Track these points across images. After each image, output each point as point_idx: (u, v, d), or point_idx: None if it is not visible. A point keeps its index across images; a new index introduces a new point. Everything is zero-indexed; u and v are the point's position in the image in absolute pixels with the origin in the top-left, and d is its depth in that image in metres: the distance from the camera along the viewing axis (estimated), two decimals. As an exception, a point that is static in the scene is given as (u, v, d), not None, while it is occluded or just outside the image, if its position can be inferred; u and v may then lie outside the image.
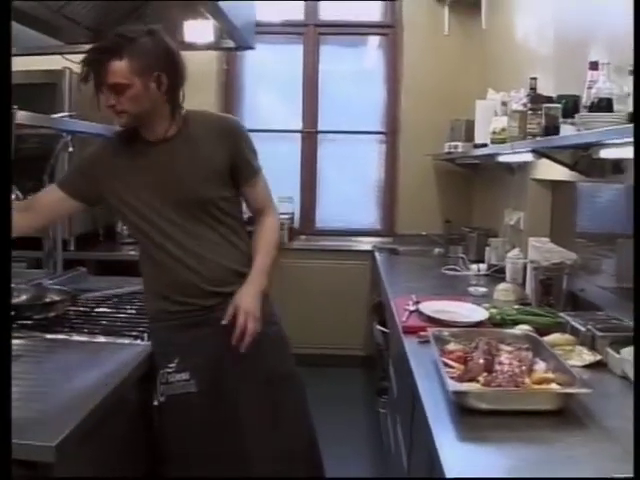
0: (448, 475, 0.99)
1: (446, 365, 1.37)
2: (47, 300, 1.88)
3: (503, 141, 2.29)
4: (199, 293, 1.59)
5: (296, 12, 4.19)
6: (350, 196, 4.28)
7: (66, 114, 2.43)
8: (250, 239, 1.72)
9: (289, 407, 1.69)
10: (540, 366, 1.36)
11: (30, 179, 2.20)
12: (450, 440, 1.12)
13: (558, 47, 2.37)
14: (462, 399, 1.21)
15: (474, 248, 3.18)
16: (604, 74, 1.56)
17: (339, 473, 1.91)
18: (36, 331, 1.70)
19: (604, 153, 1.56)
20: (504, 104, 2.50)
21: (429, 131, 3.85)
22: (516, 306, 2.00)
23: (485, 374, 1.31)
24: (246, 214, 1.76)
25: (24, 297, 1.90)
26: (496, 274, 2.67)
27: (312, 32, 4.18)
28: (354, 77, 4.24)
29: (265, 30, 3.60)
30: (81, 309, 1.94)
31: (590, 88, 1.59)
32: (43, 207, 1.67)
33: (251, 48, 2.69)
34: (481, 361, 1.34)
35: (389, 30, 4.16)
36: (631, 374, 1.37)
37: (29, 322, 1.75)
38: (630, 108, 1.41)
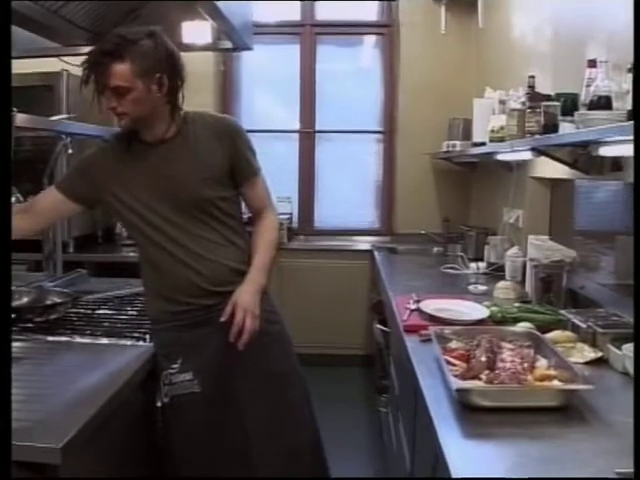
0: (454, 472, 0.99)
1: (448, 363, 1.37)
2: (48, 302, 1.88)
3: (502, 139, 2.29)
4: (201, 293, 1.59)
5: (293, 12, 4.19)
6: (348, 196, 4.29)
7: (64, 116, 2.43)
8: (250, 238, 1.72)
9: (293, 406, 1.69)
10: (542, 363, 1.37)
11: (28, 182, 2.20)
12: (454, 437, 1.12)
13: (556, 45, 2.38)
14: (465, 397, 1.22)
15: (473, 246, 3.19)
16: (602, 72, 1.56)
17: (340, 472, 1.91)
18: (38, 333, 1.70)
19: (603, 151, 1.56)
20: (502, 102, 2.50)
21: (427, 130, 3.86)
22: (516, 304, 2.01)
23: (487, 372, 1.31)
24: (246, 214, 1.76)
25: (25, 299, 1.90)
26: (495, 272, 2.68)
27: (309, 32, 4.19)
28: (351, 77, 4.25)
29: (262, 30, 3.60)
30: (82, 311, 1.95)
31: (589, 86, 1.59)
32: (43, 209, 1.68)
33: (249, 49, 2.69)
34: (483, 359, 1.34)
35: (386, 29, 4.17)
36: (632, 370, 1.38)
37: (31, 325, 1.75)
38: (629, 105, 1.41)
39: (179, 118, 1.61)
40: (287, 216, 4.03)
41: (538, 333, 1.55)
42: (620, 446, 1.06)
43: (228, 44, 2.63)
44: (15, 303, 1.84)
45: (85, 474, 1.21)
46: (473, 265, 2.86)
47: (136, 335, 1.70)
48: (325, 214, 4.28)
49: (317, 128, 4.23)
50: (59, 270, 2.43)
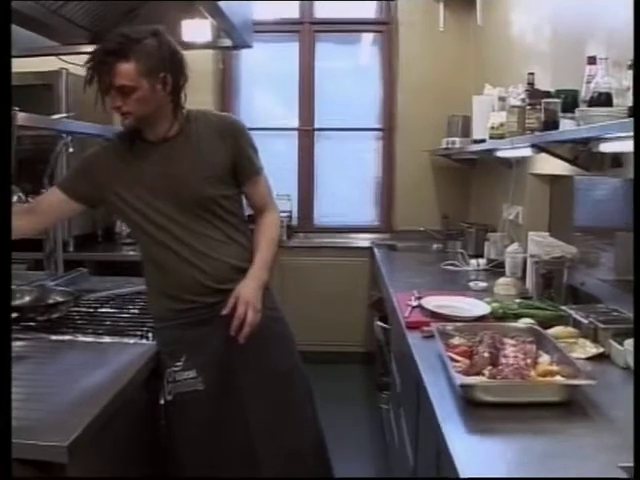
0: (459, 467, 1.00)
1: (451, 359, 1.38)
2: (50, 301, 1.88)
3: (501, 136, 2.29)
4: (205, 291, 1.60)
5: (291, 10, 4.19)
6: (347, 193, 4.29)
7: (65, 115, 2.43)
8: (252, 236, 1.72)
9: (296, 404, 1.70)
10: (544, 359, 1.37)
11: (28, 181, 2.20)
12: (458, 432, 1.13)
13: (555, 42, 2.38)
14: (469, 392, 1.23)
15: (473, 243, 3.20)
16: (602, 69, 1.57)
17: (341, 469, 1.91)
18: (41, 332, 1.70)
19: (604, 147, 1.57)
20: (501, 99, 2.50)
21: (426, 127, 3.86)
22: (517, 300, 2.01)
23: (490, 367, 1.32)
24: (247, 211, 1.76)
25: (27, 298, 1.90)
26: (495, 269, 2.69)
27: (307, 30, 4.18)
28: (350, 74, 4.26)
29: (261, 28, 3.59)
30: (84, 310, 1.95)
31: (589, 83, 1.59)
32: (46, 209, 1.68)
33: (249, 47, 2.69)
34: (486, 355, 1.35)
35: (384, 27, 4.17)
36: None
37: (33, 323, 1.75)
38: (629, 102, 1.42)
39: (182, 117, 1.61)
40: (286, 214, 4.04)
41: (540, 329, 1.55)
42: (622, 441, 1.07)
43: (228, 42, 2.64)
44: (17, 302, 1.84)
45: (90, 473, 1.22)
46: (473, 262, 2.87)
47: (139, 333, 1.70)
48: (324, 212, 4.29)
49: (316, 126, 4.23)
50: (60, 269, 2.43)
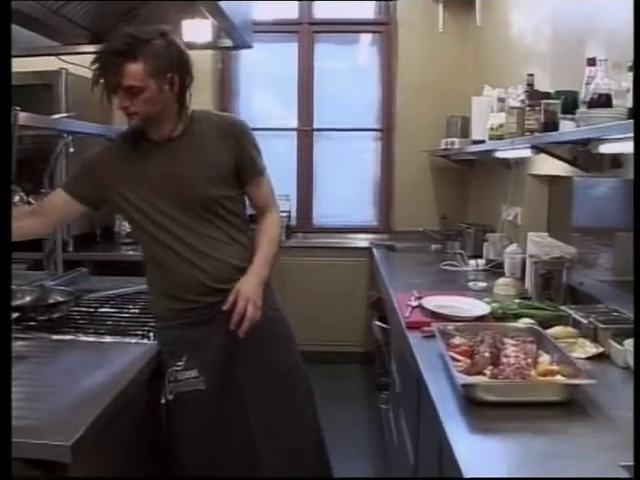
0: (462, 466, 1.00)
1: (452, 359, 1.38)
2: (51, 301, 1.88)
3: (501, 137, 2.30)
4: (206, 291, 1.60)
5: (290, 10, 4.19)
6: (346, 193, 4.29)
7: (65, 115, 2.43)
8: (253, 236, 1.73)
9: (296, 404, 1.70)
10: (544, 358, 1.38)
11: (28, 181, 2.20)
12: (460, 432, 1.13)
13: (554, 43, 2.39)
14: (471, 392, 1.23)
15: (471, 244, 3.20)
16: (602, 70, 1.58)
17: (341, 469, 1.92)
18: (42, 332, 1.70)
19: (604, 148, 1.58)
20: (501, 100, 2.51)
21: (424, 128, 3.87)
22: (517, 300, 2.02)
23: (491, 367, 1.33)
24: (248, 211, 1.77)
25: (28, 298, 1.90)
26: (494, 269, 2.70)
27: (306, 30, 4.19)
28: (349, 75, 4.26)
29: (260, 29, 3.59)
30: (85, 309, 1.95)
31: (588, 84, 1.60)
32: (51, 210, 1.68)
33: (249, 47, 2.69)
34: (487, 354, 1.35)
35: (383, 27, 4.18)
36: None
37: (34, 323, 1.75)
38: (629, 103, 1.43)
39: (186, 117, 1.61)
40: (285, 214, 4.04)
41: (540, 329, 1.56)
42: (622, 440, 1.07)
43: (228, 42, 2.64)
44: (18, 302, 1.84)
45: (92, 473, 1.22)
46: (472, 262, 2.88)
47: (140, 333, 1.70)
48: (323, 212, 4.29)
49: (315, 126, 4.23)
50: (60, 269, 2.43)
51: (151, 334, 1.69)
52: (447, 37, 3.93)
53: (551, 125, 1.78)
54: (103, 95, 1.49)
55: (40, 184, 2.20)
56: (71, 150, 2.18)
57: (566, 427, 1.15)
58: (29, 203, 1.86)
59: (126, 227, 3.61)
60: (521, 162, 2.72)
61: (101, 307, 1.99)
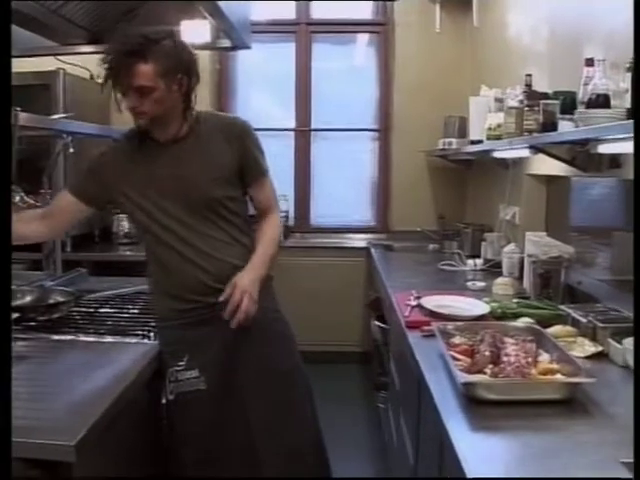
0: (465, 464, 1.01)
1: (453, 358, 1.39)
2: (51, 301, 1.89)
3: (499, 137, 2.31)
4: (207, 291, 1.61)
5: (288, 11, 4.20)
6: (344, 193, 4.30)
7: (64, 115, 2.42)
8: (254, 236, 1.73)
9: (296, 404, 1.71)
10: (544, 357, 1.39)
11: (28, 181, 2.19)
12: (462, 430, 1.14)
13: (552, 43, 2.40)
14: (471, 390, 1.24)
15: (469, 243, 3.21)
16: (600, 70, 1.58)
17: (340, 469, 1.93)
18: (42, 332, 1.70)
19: (602, 148, 1.58)
20: (498, 100, 2.52)
21: (422, 128, 3.88)
22: (515, 299, 2.03)
23: (491, 366, 1.34)
24: (250, 211, 1.77)
25: (28, 298, 1.90)
26: (492, 269, 2.71)
27: (304, 30, 4.19)
28: (346, 75, 4.26)
29: (257, 29, 3.59)
30: (85, 310, 1.95)
31: (586, 84, 1.61)
32: (59, 213, 1.69)
33: (247, 47, 2.69)
34: (487, 353, 1.36)
35: (380, 28, 4.18)
36: (632, 363, 1.40)
37: (34, 323, 1.75)
38: (628, 104, 1.44)
39: (191, 118, 1.62)
40: (283, 214, 4.03)
41: (539, 328, 1.57)
42: (622, 437, 1.08)
43: (227, 43, 2.64)
44: (18, 302, 1.84)
45: (94, 473, 1.22)
46: (470, 262, 2.89)
47: (140, 333, 1.71)
48: (321, 212, 4.30)
49: (313, 126, 4.24)
50: (59, 269, 2.43)
51: (151, 334, 1.70)
52: (444, 37, 3.94)
53: (550, 125, 1.79)
54: (114, 96, 1.49)
55: (40, 184, 2.19)
56: (70, 150, 2.17)
57: (567, 425, 1.16)
58: (29, 204, 1.86)
59: (124, 227, 3.61)
60: (519, 162, 2.73)
61: (101, 307, 1.99)
